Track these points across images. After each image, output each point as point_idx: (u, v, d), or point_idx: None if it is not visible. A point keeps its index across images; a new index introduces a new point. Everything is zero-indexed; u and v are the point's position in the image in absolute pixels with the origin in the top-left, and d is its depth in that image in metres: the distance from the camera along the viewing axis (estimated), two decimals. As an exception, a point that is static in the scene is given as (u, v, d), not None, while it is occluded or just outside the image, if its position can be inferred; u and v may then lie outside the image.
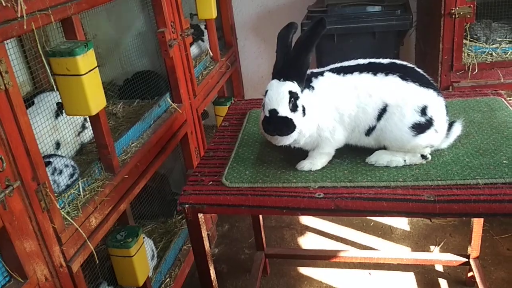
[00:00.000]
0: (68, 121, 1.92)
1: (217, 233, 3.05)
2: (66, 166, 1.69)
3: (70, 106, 1.58)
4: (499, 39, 2.51)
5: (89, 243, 1.61)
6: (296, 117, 1.43)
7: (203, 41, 3.15)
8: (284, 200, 1.44)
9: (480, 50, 2.50)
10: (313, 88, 1.51)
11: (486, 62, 2.47)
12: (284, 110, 1.41)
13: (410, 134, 1.48)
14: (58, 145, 1.86)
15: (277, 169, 1.59)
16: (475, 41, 2.52)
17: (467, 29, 2.48)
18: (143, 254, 1.95)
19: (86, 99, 1.56)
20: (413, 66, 1.55)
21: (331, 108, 1.51)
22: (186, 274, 2.48)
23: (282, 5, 3.45)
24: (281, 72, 1.46)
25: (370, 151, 1.59)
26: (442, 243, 2.75)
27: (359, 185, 1.46)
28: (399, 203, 1.37)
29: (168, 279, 2.35)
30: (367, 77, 1.49)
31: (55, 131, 1.85)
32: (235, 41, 3.58)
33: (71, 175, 1.69)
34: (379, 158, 1.55)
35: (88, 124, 2.06)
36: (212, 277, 1.66)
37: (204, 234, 1.57)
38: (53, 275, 1.46)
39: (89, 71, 1.55)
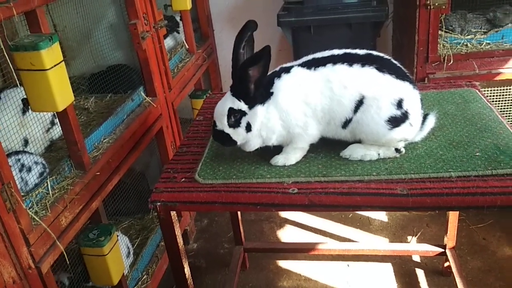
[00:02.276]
0: (36, 117, 1.86)
1: (196, 228, 3.02)
2: (36, 163, 1.63)
3: (36, 102, 1.52)
4: (474, 30, 2.51)
5: (58, 243, 1.56)
6: (236, 132, 1.49)
7: (178, 32, 3.09)
8: (258, 196, 1.42)
9: (456, 41, 2.50)
10: (271, 94, 1.49)
11: (461, 53, 2.48)
12: (220, 125, 1.50)
13: (386, 128, 1.46)
14: (26, 142, 1.80)
15: (251, 165, 1.56)
16: (450, 32, 2.52)
17: (443, 20, 2.48)
18: (117, 252, 1.90)
19: (52, 94, 1.50)
20: (389, 57, 1.53)
21: (298, 105, 1.49)
22: (163, 271, 2.45)
23: (259, -4, 3.41)
24: (232, 86, 1.50)
25: (344, 145, 1.57)
26: (419, 234, 2.77)
27: (333, 180, 1.44)
28: (372, 197, 1.36)
29: (145, 276, 2.32)
30: (342, 68, 1.46)
31: (21, 127, 1.79)
32: (211, 33, 3.52)
33: (41, 174, 1.64)
34: (354, 152, 1.53)
35: (57, 120, 2.00)
36: (186, 275, 1.64)
37: (178, 232, 1.54)
38: (21, 277, 1.42)
39: (55, 65, 1.50)
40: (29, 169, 1.62)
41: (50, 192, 1.63)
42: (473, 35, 2.51)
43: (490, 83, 2.60)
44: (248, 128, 1.49)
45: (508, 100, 2.67)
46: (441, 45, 2.50)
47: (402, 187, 1.37)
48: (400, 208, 1.36)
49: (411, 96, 1.48)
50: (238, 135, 1.50)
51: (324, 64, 1.48)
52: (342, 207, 1.38)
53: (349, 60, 1.47)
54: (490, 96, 2.67)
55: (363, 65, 1.46)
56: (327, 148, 1.60)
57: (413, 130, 1.52)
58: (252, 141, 1.53)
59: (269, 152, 1.59)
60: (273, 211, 1.55)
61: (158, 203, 1.47)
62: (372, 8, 2.65)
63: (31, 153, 1.71)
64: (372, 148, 1.52)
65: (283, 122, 1.50)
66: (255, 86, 1.45)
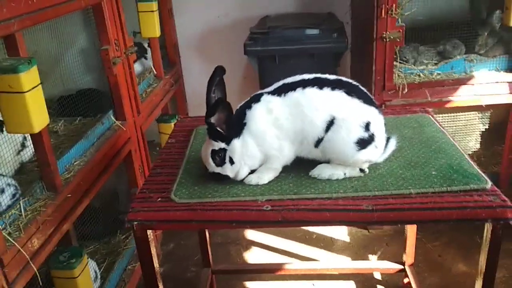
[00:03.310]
0: (7, 140, 1.86)
1: (162, 252, 3.02)
2: (8, 185, 1.63)
3: (12, 123, 1.53)
4: (426, 61, 2.72)
5: (32, 264, 1.55)
6: (224, 168, 1.62)
7: (146, 58, 3.16)
8: (233, 213, 1.48)
9: (409, 71, 2.70)
10: (245, 124, 1.61)
11: (415, 82, 2.68)
12: (210, 168, 1.64)
13: (354, 149, 1.57)
14: (-4, 164, 1.79)
15: (225, 184, 1.63)
16: (404, 63, 2.72)
17: (397, 52, 2.67)
18: (87, 275, 1.90)
19: (29, 116, 1.52)
20: (357, 84, 1.65)
21: (270, 130, 1.60)
22: (131, 295, 2.44)
23: (224, 26, 3.54)
24: (207, 130, 1.61)
25: (313, 165, 1.68)
26: (379, 252, 2.89)
27: (303, 197, 1.53)
28: (340, 213, 1.46)
29: (112, 300, 2.30)
30: (312, 91, 1.57)
31: (-8, 150, 1.78)
32: (178, 60, 3.61)
33: (13, 195, 1.64)
34: (322, 172, 1.63)
35: (28, 142, 2.00)
36: (161, 294, 1.66)
37: (153, 251, 1.58)
38: (-6, 300, 1.40)
39: (32, 88, 1.53)
40: (2, 191, 1.61)
41: (23, 214, 1.63)
42: (425, 66, 2.72)
43: (441, 110, 2.80)
44: (231, 161, 1.60)
45: (458, 126, 2.89)
46: (396, 75, 2.69)
47: (367, 203, 1.47)
48: (366, 223, 1.47)
49: (377, 120, 1.61)
50: (226, 170, 1.62)
51: (294, 89, 1.59)
52: (313, 223, 1.48)
53: (320, 83, 1.58)
54: (441, 122, 2.87)
55: (333, 88, 1.57)
56: (297, 168, 1.69)
57: (378, 152, 1.64)
58: (241, 171, 1.63)
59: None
60: (248, 228, 1.62)
61: (135, 222, 1.51)
62: (333, 40, 2.82)
63: (4, 175, 1.70)
64: (339, 168, 1.62)
65: (260, 147, 1.60)
66: (226, 126, 1.57)
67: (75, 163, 2.03)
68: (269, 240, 3.07)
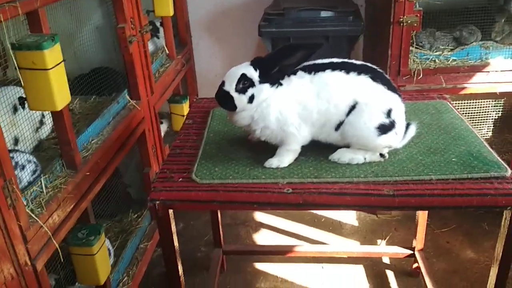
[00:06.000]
0: (26, 117, 1.86)
1: (172, 231, 3.04)
2: (29, 162, 1.64)
3: (35, 101, 1.54)
4: (442, 47, 2.70)
5: (53, 240, 1.57)
6: (239, 98, 1.55)
7: (158, 38, 3.13)
8: (254, 195, 1.50)
9: (425, 57, 2.69)
10: (280, 84, 1.60)
11: (430, 68, 2.66)
12: (229, 87, 1.55)
13: (375, 134, 1.58)
14: (16, 141, 1.80)
15: (245, 166, 1.64)
16: (420, 48, 2.70)
17: (414, 37, 2.65)
18: (104, 253, 1.92)
19: (52, 94, 1.53)
20: (382, 71, 1.65)
21: (296, 105, 1.59)
22: (143, 273, 2.47)
23: (237, 6, 3.50)
24: (256, 58, 1.59)
25: (332, 150, 1.68)
26: (388, 237, 2.92)
27: (324, 181, 1.54)
28: (362, 197, 1.47)
29: (125, 278, 2.33)
30: (339, 74, 1.58)
31: (12, 126, 1.79)
32: (189, 39, 3.58)
33: (34, 172, 1.65)
34: (342, 156, 1.64)
35: (46, 120, 2.01)
36: (180, 273, 1.68)
37: (174, 229, 1.59)
38: (19, 274, 1.42)
39: (56, 65, 1.52)
40: (23, 167, 1.62)
41: (44, 191, 1.64)
42: (440, 52, 2.70)
43: (456, 96, 2.79)
44: (251, 99, 1.55)
45: (471, 112, 2.89)
46: (412, 60, 2.67)
47: (388, 189, 1.48)
48: (387, 208, 1.48)
49: (398, 107, 1.62)
50: (240, 101, 1.55)
51: (323, 70, 1.60)
52: (334, 206, 1.49)
53: (347, 68, 1.59)
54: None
55: (359, 73, 1.58)
56: (316, 152, 1.70)
57: (398, 139, 1.65)
58: (245, 115, 1.59)
59: (261, 155, 1.67)
60: (268, 209, 1.63)
61: (157, 202, 1.52)
62: (349, 23, 2.79)
63: (24, 152, 1.71)
64: (359, 152, 1.63)
65: (280, 115, 1.59)
66: (279, 69, 1.55)
67: (92, 142, 2.03)
68: (278, 222, 3.10)
